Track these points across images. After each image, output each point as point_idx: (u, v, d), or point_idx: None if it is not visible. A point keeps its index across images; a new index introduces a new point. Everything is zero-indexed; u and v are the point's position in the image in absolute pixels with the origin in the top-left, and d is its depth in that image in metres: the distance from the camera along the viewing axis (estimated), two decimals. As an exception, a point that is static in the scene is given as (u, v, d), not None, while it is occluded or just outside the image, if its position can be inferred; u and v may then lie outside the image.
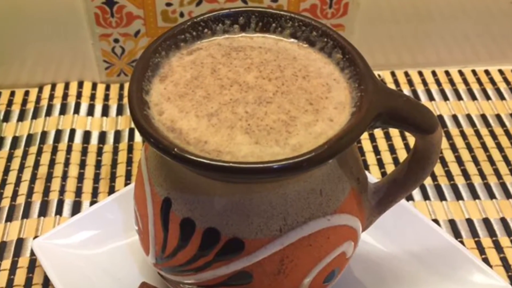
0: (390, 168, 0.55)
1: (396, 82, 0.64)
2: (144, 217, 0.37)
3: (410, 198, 0.52)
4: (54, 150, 0.56)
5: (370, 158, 0.56)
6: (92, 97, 0.62)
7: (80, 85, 0.63)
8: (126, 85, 0.63)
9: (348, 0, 0.59)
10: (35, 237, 0.48)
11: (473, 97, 0.62)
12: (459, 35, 0.64)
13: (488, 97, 0.62)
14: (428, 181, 0.54)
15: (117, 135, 0.58)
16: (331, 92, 0.34)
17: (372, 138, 0.58)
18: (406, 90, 0.63)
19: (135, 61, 0.60)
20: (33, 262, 0.47)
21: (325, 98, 0.34)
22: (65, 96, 0.61)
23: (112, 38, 0.60)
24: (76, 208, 0.51)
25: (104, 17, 0.58)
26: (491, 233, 0.50)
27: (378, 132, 0.58)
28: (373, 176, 0.50)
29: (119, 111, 0.61)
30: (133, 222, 0.40)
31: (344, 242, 0.36)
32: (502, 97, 0.62)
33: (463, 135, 0.58)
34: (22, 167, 0.55)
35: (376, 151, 0.57)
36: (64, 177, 0.54)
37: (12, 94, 0.62)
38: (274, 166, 0.29)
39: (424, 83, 0.64)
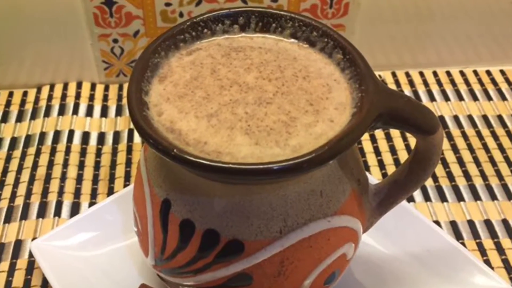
0: (391, 169, 0.55)
1: (397, 82, 0.64)
2: (143, 219, 0.37)
3: (411, 199, 0.52)
4: (53, 151, 0.56)
5: (371, 159, 0.56)
6: (91, 97, 0.62)
7: (79, 85, 0.63)
8: (125, 86, 0.63)
9: (348, 0, 0.59)
10: (34, 238, 0.48)
11: (475, 98, 0.62)
12: (460, 35, 0.64)
13: (489, 98, 0.62)
14: (429, 182, 0.54)
15: (116, 136, 0.58)
16: (332, 92, 0.34)
17: (373, 139, 0.58)
18: (407, 91, 0.63)
19: (134, 61, 0.61)
20: (31, 264, 0.47)
21: (326, 98, 0.34)
22: (63, 96, 0.61)
23: (111, 38, 0.60)
24: (75, 209, 0.51)
25: (103, 17, 0.58)
26: (493, 234, 0.50)
27: (379, 133, 0.58)
28: (374, 177, 0.50)
29: (118, 112, 0.61)
30: (132, 224, 0.40)
31: (344, 244, 0.36)
32: (503, 98, 0.62)
33: (464, 136, 0.58)
34: (21, 168, 0.55)
35: (377, 152, 0.56)
36: (63, 178, 0.54)
37: (11, 94, 0.62)
38: (274, 167, 0.29)
39: (425, 83, 0.64)
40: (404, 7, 0.61)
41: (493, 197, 0.53)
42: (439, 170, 0.55)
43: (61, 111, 0.60)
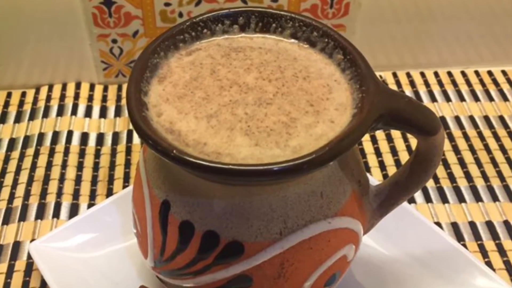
0: (391, 170, 0.55)
1: (398, 83, 0.64)
2: (142, 220, 0.37)
3: (412, 200, 0.52)
4: (51, 152, 0.56)
5: (372, 160, 0.56)
6: (90, 98, 0.62)
7: (78, 86, 0.63)
8: (124, 86, 0.63)
9: (349, 0, 0.59)
10: (32, 240, 0.48)
11: (476, 98, 0.62)
12: (461, 36, 0.64)
13: (491, 98, 0.62)
14: (430, 184, 0.53)
15: (115, 136, 0.58)
16: (332, 93, 0.34)
17: (374, 140, 0.57)
18: (408, 91, 0.63)
19: (133, 62, 0.60)
20: (30, 266, 0.47)
21: (326, 99, 0.34)
22: (62, 97, 0.61)
23: (110, 39, 0.60)
24: (74, 210, 0.51)
25: (102, 17, 0.58)
26: (494, 236, 0.50)
27: (380, 134, 0.58)
28: (375, 179, 0.50)
29: (117, 113, 0.60)
30: (131, 225, 0.40)
31: (345, 245, 0.36)
32: (505, 98, 0.62)
33: (465, 136, 0.58)
34: (19, 169, 0.55)
35: (378, 153, 0.56)
36: (62, 179, 0.53)
37: (9, 95, 0.62)
38: (274, 168, 0.29)
39: (426, 84, 0.64)
40: (405, 7, 0.61)
41: (495, 198, 0.52)
42: (440, 171, 0.55)
43: (60, 112, 0.60)
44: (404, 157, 0.56)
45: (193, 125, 0.32)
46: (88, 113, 0.60)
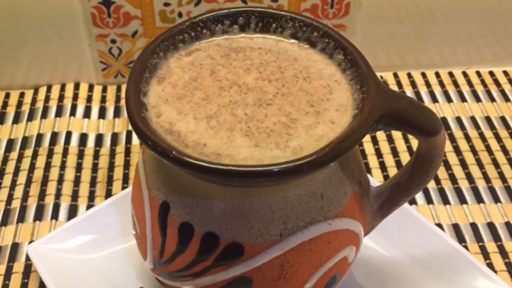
0: (392, 171, 0.55)
1: (399, 83, 0.64)
2: (141, 222, 0.37)
3: (413, 202, 0.52)
4: (50, 153, 0.56)
5: (372, 161, 0.56)
6: (89, 99, 0.62)
7: (77, 86, 0.62)
8: (123, 87, 0.63)
9: (350, 0, 0.59)
10: (31, 241, 0.48)
11: (477, 99, 0.62)
12: (463, 36, 0.64)
13: (492, 99, 0.62)
14: (431, 185, 0.53)
15: (114, 137, 0.58)
16: (333, 93, 0.34)
17: (374, 141, 0.57)
18: (409, 92, 0.63)
19: (132, 62, 0.60)
20: (28, 267, 0.47)
21: (327, 100, 0.34)
22: (61, 98, 0.61)
23: (109, 39, 0.60)
24: (72, 212, 0.51)
25: (101, 17, 0.58)
26: (496, 237, 0.50)
27: (381, 135, 0.58)
28: (375, 180, 0.50)
29: (116, 113, 0.60)
30: (131, 227, 0.40)
31: (345, 247, 0.36)
32: (507, 99, 0.62)
33: (467, 137, 0.58)
34: (17, 170, 0.54)
35: (379, 154, 0.56)
36: (60, 180, 0.53)
37: (7, 95, 0.62)
38: (274, 170, 0.29)
39: (427, 84, 0.64)
40: (406, 7, 0.60)
41: (496, 199, 0.52)
42: (442, 172, 0.54)
43: (59, 113, 0.60)
44: (405, 158, 0.56)
45: (193, 126, 0.32)
46: (87, 113, 0.60)
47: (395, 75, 0.65)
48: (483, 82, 0.64)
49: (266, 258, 0.33)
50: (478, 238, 0.49)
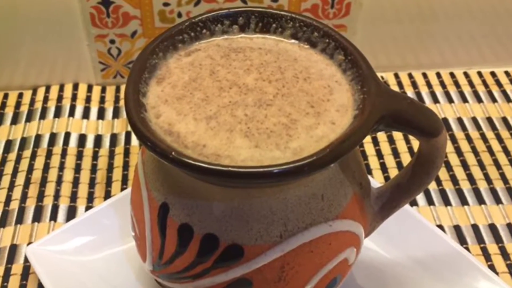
0: (393, 172, 0.55)
1: (400, 84, 0.64)
2: (141, 223, 0.37)
3: (414, 203, 0.52)
4: (49, 154, 0.56)
5: (373, 162, 0.55)
6: (88, 99, 0.61)
7: (75, 87, 0.62)
8: (123, 87, 0.63)
9: (350, 0, 0.59)
10: (29, 243, 0.48)
11: (479, 100, 0.62)
12: (464, 36, 0.64)
13: (494, 100, 0.62)
14: (432, 186, 0.53)
15: (113, 138, 0.58)
16: (333, 94, 0.34)
17: (375, 142, 0.57)
18: (410, 92, 0.63)
19: (131, 62, 0.60)
20: (26, 269, 0.47)
21: (327, 100, 0.34)
22: (59, 98, 0.61)
23: (108, 39, 0.60)
24: (71, 213, 0.51)
25: (100, 17, 0.58)
26: (497, 239, 0.49)
27: (381, 136, 0.58)
28: (376, 181, 0.50)
29: (115, 114, 0.60)
30: (130, 228, 0.40)
31: (346, 249, 0.36)
32: (508, 100, 0.62)
33: (468, 138, 0.58)
34: (16, 172, 0.54)
35: (379, 155, 0.56)
36: (59, 181, 0.53)
37: (6, 96, 0.62)
38: (274, 171, 0.29)
39: (429, 85, 0.64)
40: (406, 7, 0.60)
41: (498, 201, 0.52)
42: (443, 174, 0.54)
43: (57, 113, 0.59)
44: (406, 159, 0.56)
45: (192, 127, 0.32)
46: (85, 114, 0.60)
47: (396, 76, 0.64)
48: (484, 83, 0.64)
49: (266, 260, 0.33)
50: (480, 239, 0.49)
